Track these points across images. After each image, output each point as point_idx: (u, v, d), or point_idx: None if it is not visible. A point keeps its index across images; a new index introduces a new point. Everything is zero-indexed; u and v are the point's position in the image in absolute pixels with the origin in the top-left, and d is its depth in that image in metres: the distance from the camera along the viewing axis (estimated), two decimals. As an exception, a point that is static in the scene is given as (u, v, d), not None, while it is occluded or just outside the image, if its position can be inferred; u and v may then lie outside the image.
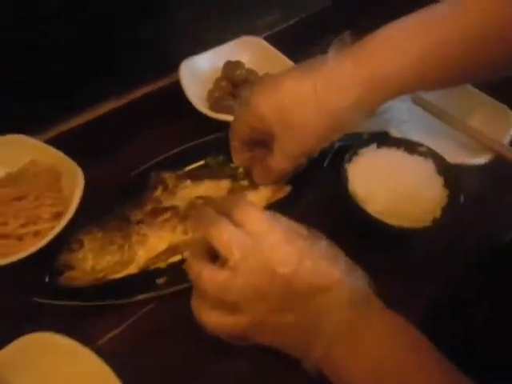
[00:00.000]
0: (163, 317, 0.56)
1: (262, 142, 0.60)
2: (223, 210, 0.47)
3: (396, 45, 0.51)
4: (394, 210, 0.58)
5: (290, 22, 1.08)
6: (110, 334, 0.55)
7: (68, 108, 0.79)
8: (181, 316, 0.50)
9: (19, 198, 0.60)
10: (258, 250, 0.42)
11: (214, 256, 0.46)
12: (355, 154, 0.63)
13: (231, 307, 0.43)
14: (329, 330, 0.41)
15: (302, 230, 0.47)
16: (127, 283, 0.56)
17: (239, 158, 0.64)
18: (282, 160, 0.57)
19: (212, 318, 0.44)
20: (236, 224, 0.45)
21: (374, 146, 0.64)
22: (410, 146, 0.64)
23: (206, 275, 0.43)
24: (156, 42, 0.85)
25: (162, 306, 0.57)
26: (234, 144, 0.63)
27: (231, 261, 0.42)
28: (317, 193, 0.66)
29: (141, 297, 0.55)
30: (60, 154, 0.65)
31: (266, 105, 0.54)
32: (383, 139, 0.66)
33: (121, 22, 0.78)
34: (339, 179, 0.60)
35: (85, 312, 0.55)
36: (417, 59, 0.51)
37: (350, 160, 0.63)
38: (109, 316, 0.56)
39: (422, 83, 0.56)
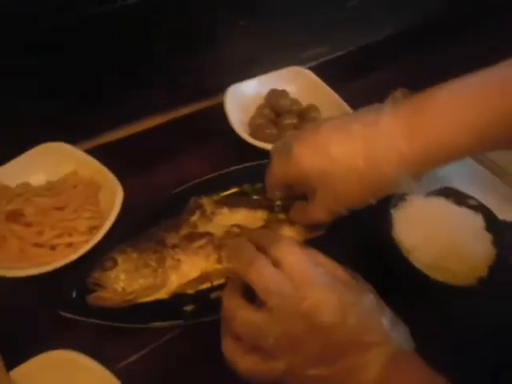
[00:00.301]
0: (186, 345, 0.55)
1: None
2: (259, 243, 0.45)
3: (455, 110, 0.47)
4: (438, 263, 0.56)
5: (337, 54, 1.08)
6: (132, 358, 0.54)
7: (111, 120, 0.79)
8: (205, 346, 0.49)
9: (58, 208, 0.59)
10: (298, 297, 0.40)
11: (250, 292, 0.43)
12: (402, 199, 0.61)
13: (266, 353, 0.41)
14: None
15: (346, 275, 0.44)
16: (154, 308, 0.55)
17: (274, 196, 0.62)
18: (321, 212, 0.55)
19: (246, 363, 0.42)
20: (274, 262, 0.42)
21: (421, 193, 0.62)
22: (459, 198, 0.62)
23: (242, 316, 0.41)
24: (206, 65, 0.86)
25: (186, 333, 0.56)
26: (270, 185, 0.59)
27: (269, 304, 0.40)
28: (356, 234, 0.63)
29: (167, 323, 0.53)
30: (101, 167, 0.65)
31: (310, 162, 0.50)
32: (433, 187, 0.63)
33: (175, 44, 0.80)
34: (383, 224, 0.58)
35: (108, 331, 0.53)
36: (476, 127, 0.47)
37: (396, 205, 0.61)
38: (132, 339, 0.55)
39: (481, 148, 0.51)
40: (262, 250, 0.44)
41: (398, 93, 0.50)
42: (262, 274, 0.41)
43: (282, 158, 0.54)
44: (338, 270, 0.45)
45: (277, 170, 0.55)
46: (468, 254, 0.57)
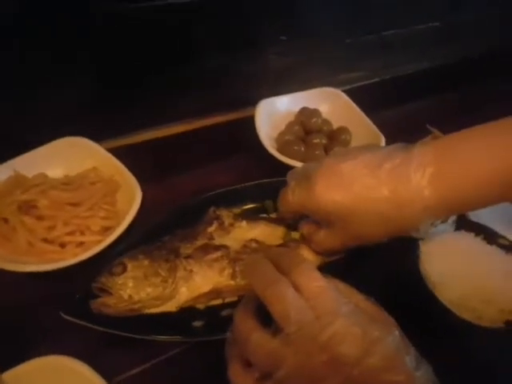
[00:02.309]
0: (192, 363, 0.52)
1: None
2: (279, 263, 0.42)
3: (486, 158, 0.45)
4: (464, 302, 0.53)
5: (371, 81, 1.08)
6: (132, 371, 0.51)
7: (137, 121, 0.78)
8: (211, 367, 0.46)
9: (73, 204, 0.57)
10: (319, 326, 0.37)
11: (263, 314, 0.40)
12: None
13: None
14: None
15: (370, 307, 0.41)
16: (161, 320, 0.52)
17: (285, 218, 0.60)
18: (335, 243, 0.53)
19: None
20: (295, 287, 0.39)
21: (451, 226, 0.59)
22: (490, 236, 0.59)
23: (257, 340, 0.38)
24: (241, 76, 0.86)
25: (192, 350, 0.53)
26: (283, 210, 0.58)
27: (286, 331, 0.37)
28: (380, 264, 0.60)
29: (173, 338, 0.50)
30: (122, 167, 0.63)
31: (333, 198, 0.49)
32: (462, 222, 0.61)
33: (212, 52, 0.79)
34: (410, 256, 0.56)
35: (111, 341, 0.51)
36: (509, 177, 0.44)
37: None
38: (135, 351, 0.52)
39: None
40: (281, 270, 0.41)
41: (431, 136, 0.48)
42: (282, 298, 0.38)
43: (301, 187, 0.52)
44: (362, 302, 0.42)
45: (294, 199, 0.54)
46: (496, 295, 0.54)
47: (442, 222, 0.55)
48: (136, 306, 0.50)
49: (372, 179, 0.47)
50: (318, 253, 0.58)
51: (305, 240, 0.59)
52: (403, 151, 0.48)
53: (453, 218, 0.59)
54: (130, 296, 0.49)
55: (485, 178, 0.44)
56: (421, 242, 0.57)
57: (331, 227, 0.52)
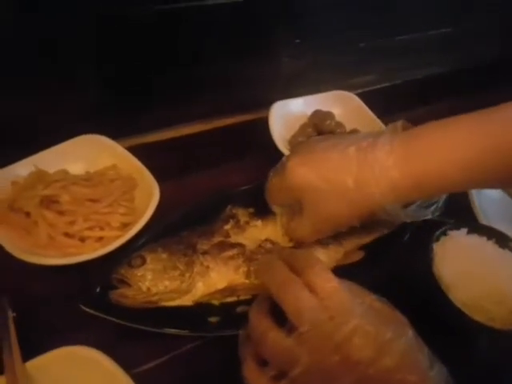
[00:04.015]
0: (208, 358, 0.53)
1: None
2: (293, 264, 0.42)
3: (445, 146, 0.47)
4: (477, 304, 0.53)
5: (383, 85, 1.08)
6: (149, 364, 0.52)
7: (155, 121, 0.79)
8: (226, 362, 0.46)
9: (93, 200, 0.58)
10: (333, 326, 0.37)
11: (277, 313, 0.41)
12: (444, 234, 0.59)
13: (292, 382, 0.38)
14: None
15: (384, 308, 0.41)
16: (178, 314, 0.53)
17: (276, 209, 0.62)
18: (306, 229, 0.55)
19: None
20: (309, 287, 0.40)
21: (464, 230, 0.60)
22: (502, 240, 0.60)
23: (274, 339, 0.39)
24: (256, 78, 0.86)
25: (208, 345, 0.53)
26: (268, 200, 0.61)
27: (300, 330, 0.38)
28: (391, 265, 0.60)
29: (190, 332, 0.51)
30: (140, 165, 0.64)
31: (302, 175, 0.51)
32: (475, 226, 0.62)
33: (230, 54, 0.80)
34: (423, 257, 0.56)
35: (129, 333, 0.51)
36: (464, 164, 0.46)
37: (437, 240, 0.58)
38: (152, 344, 0.53)
39: (470, 185, 0.53)
40: (294, 271, 0.41)
41: (399, 123, 0.51)
42: (296, 297, 0.39)
43: (278, 171, 0.56)
44: (375, 302, 0.42)
45: (272, 184, 0.57)
46: (508, 297, 0.54)
47: (425, 207, 0.56)
48: (154, 299, 0.51)
49: (339, 158, 0.50)
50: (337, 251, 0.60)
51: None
52: (373, 136, 0.50)
53: (434, 204, 0.58)
54: (149, 288, 0.51)
55: (444, 166, 0.47)
56: (435, 245, 0.58)
57: (303, 210, 0.54)
